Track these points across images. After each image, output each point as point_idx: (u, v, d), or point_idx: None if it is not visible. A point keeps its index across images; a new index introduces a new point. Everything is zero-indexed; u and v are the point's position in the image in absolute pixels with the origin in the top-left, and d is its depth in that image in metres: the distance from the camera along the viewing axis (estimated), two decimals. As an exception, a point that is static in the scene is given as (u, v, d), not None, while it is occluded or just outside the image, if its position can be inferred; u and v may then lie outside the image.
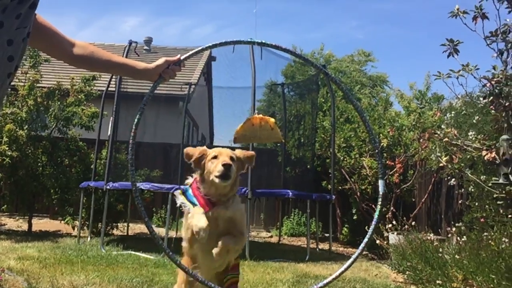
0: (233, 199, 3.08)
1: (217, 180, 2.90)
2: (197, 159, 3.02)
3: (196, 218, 2.85)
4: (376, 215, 2.82)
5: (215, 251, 2.82)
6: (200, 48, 2.74)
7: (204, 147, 3.10)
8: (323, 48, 27.45)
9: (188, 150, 3.07)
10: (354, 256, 2.73)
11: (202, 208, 2.92)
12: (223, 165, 2.90)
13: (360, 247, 2.76)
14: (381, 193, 2.81)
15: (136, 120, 2.62)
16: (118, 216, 10.16)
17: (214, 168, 2.93)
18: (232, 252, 2.99)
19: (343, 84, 3.15)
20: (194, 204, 2.96)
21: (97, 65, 2.46)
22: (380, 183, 2.85)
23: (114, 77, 9.42)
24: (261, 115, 2.41)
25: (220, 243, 2.85)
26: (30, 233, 9.76)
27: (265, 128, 2.43)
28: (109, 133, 9.24)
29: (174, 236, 9.14)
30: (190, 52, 2.72)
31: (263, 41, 2.79)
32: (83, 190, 9.05)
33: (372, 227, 2.80)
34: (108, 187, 8.30)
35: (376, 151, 3.01)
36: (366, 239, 2.77)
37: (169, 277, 5.64)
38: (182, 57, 2.63)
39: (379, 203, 2.79)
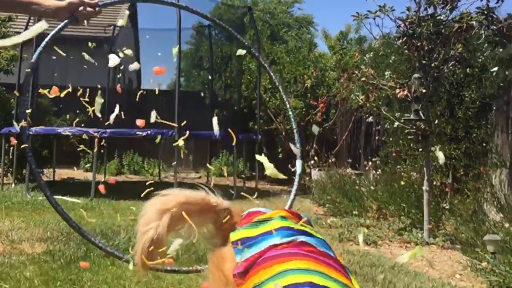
0: None
1: None
2: None
3: None
4: (294, 187, 2.83)
5: None
6: None
7: None
8: (251, -11, 27.12)
9: None
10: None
11: None
12: None
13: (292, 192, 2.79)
14: (298, 172, 2.86)
15: (32, 61, 2.48)
16: (44, 161, 9.97)
17: None
18: None
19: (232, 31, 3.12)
20: None
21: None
22: (298, 162, 2.90)
23: (32, 17, 9.00)
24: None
25: None
26: (-50, 181, 9.43)
27: None
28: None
29: (102, 180, 9.15)
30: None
31: None
32: (4, 137, 8.79)
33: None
34: (30, 132, 8.11)
35: (295, 138, 3.00)
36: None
37: (97, 219, 5.73)
38: (100, 3, 2.36)
39: (296, 181, 2.84)
